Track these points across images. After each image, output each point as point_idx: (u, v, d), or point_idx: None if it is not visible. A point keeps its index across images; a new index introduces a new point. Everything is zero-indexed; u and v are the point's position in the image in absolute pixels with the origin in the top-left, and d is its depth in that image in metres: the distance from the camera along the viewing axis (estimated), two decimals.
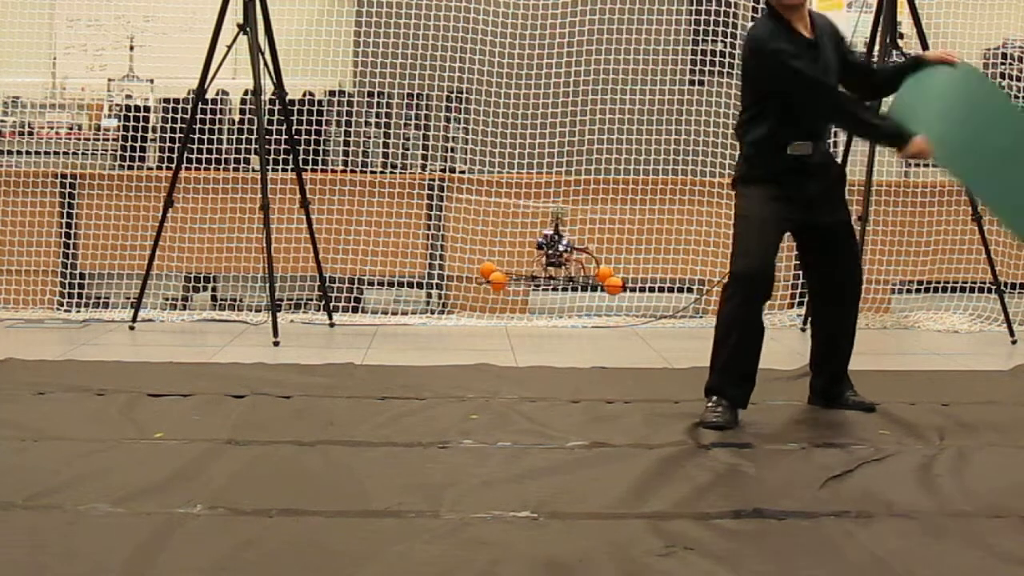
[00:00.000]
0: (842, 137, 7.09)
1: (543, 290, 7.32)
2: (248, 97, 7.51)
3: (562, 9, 7.97)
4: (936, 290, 7.61)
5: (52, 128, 8.34)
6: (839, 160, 6.04)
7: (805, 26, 4.60)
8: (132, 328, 6.78)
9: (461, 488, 3.66)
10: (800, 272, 7.22)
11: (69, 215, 7.39)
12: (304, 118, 7.69)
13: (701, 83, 7.92)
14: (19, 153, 8.10)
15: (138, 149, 7.78)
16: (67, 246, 7.38)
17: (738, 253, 4.63)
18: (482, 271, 7.19)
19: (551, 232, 7.06)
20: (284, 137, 7.20)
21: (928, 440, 4.34)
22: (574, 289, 7.26)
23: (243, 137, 7.65)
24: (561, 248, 7.01)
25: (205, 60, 6.57)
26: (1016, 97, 8.22)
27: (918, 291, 7.71)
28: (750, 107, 4.68)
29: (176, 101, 7.70)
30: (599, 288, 7.21)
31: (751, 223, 4.62)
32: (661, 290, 7.50)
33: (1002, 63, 8.45)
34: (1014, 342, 6.73)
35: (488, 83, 7.88)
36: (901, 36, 7.02)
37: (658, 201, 7.49)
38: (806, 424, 4.66)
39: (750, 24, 5.73)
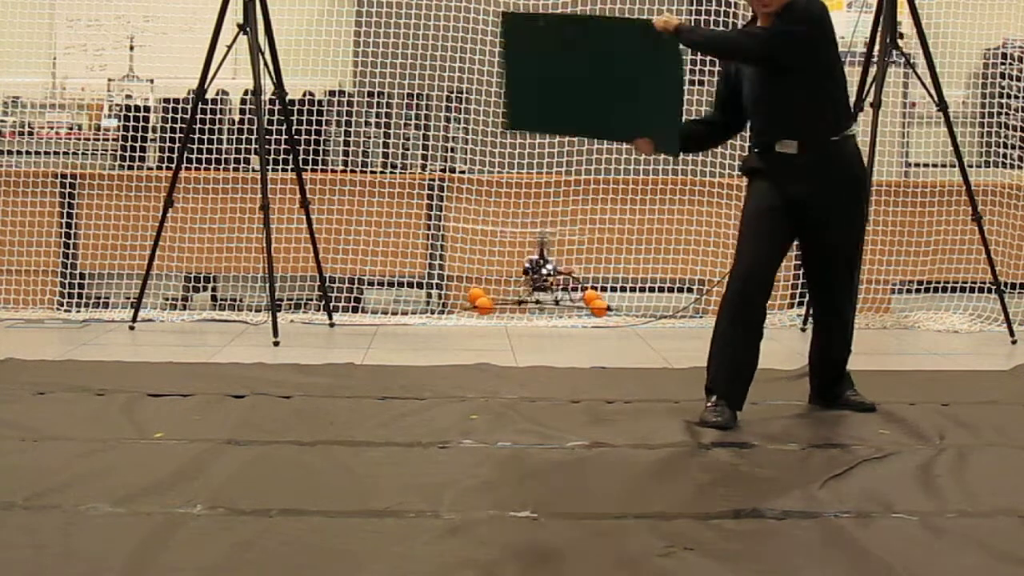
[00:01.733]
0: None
1: (529, 314, 7.34)
2: (248, 97, 7.51)
3: (562, 9, 7.96)
4: (936, 290, 7.60)
5: (52, 128, 8.34)
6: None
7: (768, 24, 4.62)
8: (132, 328, 6.78)
9: (461, 488, 3.66)
10: (799, 272, 7.26)
11: (69, 215, 7.39)
12: (304, 118, 7.68)
13: (701, 83, 7.92)
14: (19, 153, 8.10)
15: (138, 149, 7.78)
16: (67, 246, 7.38)
17: (736, 250, 4.68)
18: (470, 297, 7.26)
19: (536, 257, 7.16)
20: (284, 137, 7.20)
21: (928, 440, 4.34)
22: (556, 301, 7.33)
23: (243, 137, 7.65)
24: (546, 272, 7.12)
25: (205, 60, 6.57)
26: (1016, 97, 8.22)
27: (918, 291, 7.71)
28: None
29: (176, 101, 7.70)
30: (586, 312, 7.28)
31: (748, 221, 4.65)
32: (661, 290, 7.50)
33: (1002, 63, 8.46)
34: (1014, 342, 6.73)
35: (488, 83, 7.88)
36: (901, 36, 7.02)
37: (658, 201, 7.49)
38: (806, 424, 4.66)
39: None
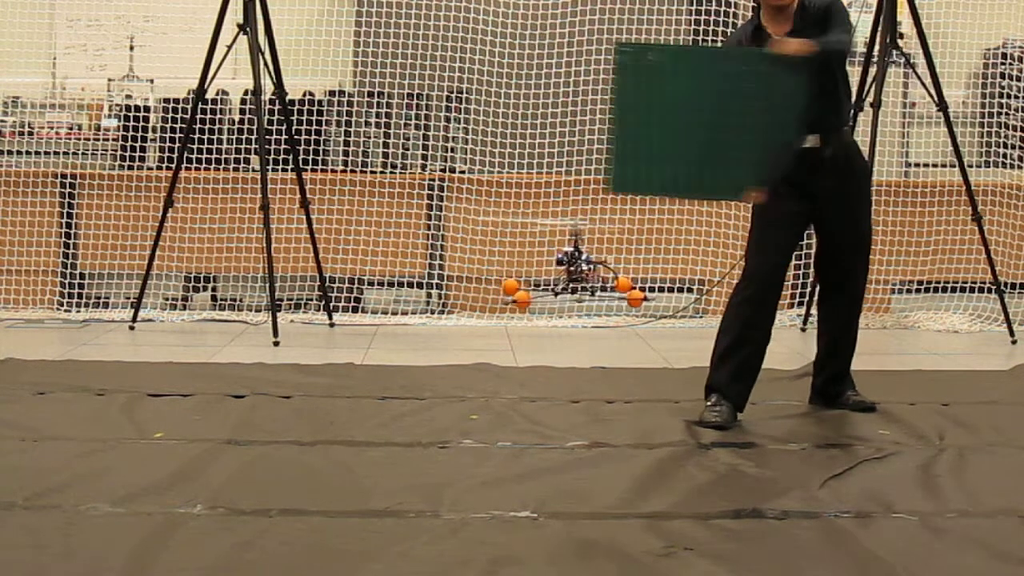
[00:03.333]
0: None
1: (562, 294, 7.34)
2: (248, 97, 7.51)
3: (562, 9, 7.97)
4: (936, 290, 7.60)
5: (52, 128, 8.34)
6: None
7: (779, 24, 4.55)
8: (132, 328, 6.78)
9: (461, 488, 3.66)
10: (800, 272, 7.27)
11: (69, 215, 7.39)
12: (304, 118, 7.68)
13: None
14: (19, 153, 8.10)
15: (138, 149, 7.78)
16: (67, 246, 7.38)
17: (747, 250, 4.69)
18: (505, 288, 7.22)
19: (571, 249, 7.13)
20: (284, 137, 7.20)
21: (928, 440, 4.34)
22: (592, 292, 7.31)
23: (243, 137, 7.65)
24: (584, 265, 7.10)
25: (205, 60, 6.57)
26: (1016, 97, 8.22)
27: (918, 291, 7.71)
28: None
29: (176, 101, 7.70)
30: (622, 299, 7.27)
31: (759, 220, 4.66)
32: (661, 290, 7.50)
33: (1002, 63, 8.45)
34: (1014, 342, 6.73)
35: (488, 83, 7.88)
36: (901, 36, 7.02)
37: (658, 201, 7.49)
38: (806, 424, 4.66)
39: None
